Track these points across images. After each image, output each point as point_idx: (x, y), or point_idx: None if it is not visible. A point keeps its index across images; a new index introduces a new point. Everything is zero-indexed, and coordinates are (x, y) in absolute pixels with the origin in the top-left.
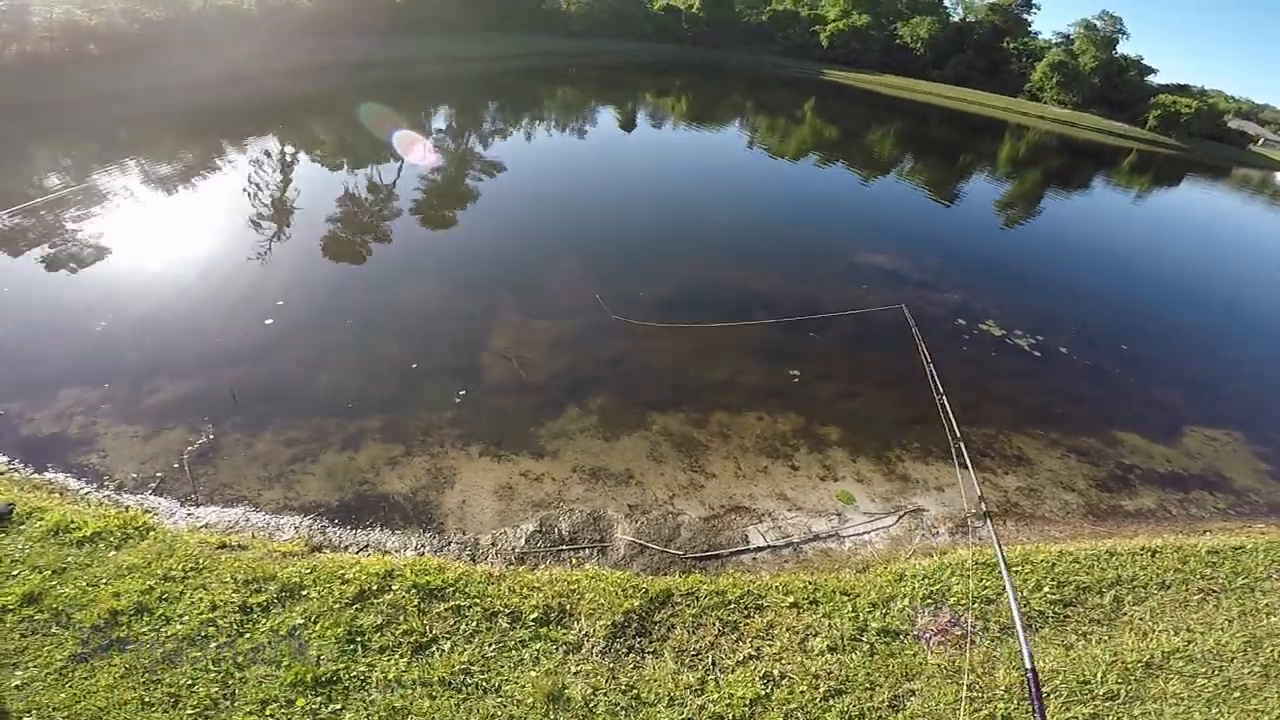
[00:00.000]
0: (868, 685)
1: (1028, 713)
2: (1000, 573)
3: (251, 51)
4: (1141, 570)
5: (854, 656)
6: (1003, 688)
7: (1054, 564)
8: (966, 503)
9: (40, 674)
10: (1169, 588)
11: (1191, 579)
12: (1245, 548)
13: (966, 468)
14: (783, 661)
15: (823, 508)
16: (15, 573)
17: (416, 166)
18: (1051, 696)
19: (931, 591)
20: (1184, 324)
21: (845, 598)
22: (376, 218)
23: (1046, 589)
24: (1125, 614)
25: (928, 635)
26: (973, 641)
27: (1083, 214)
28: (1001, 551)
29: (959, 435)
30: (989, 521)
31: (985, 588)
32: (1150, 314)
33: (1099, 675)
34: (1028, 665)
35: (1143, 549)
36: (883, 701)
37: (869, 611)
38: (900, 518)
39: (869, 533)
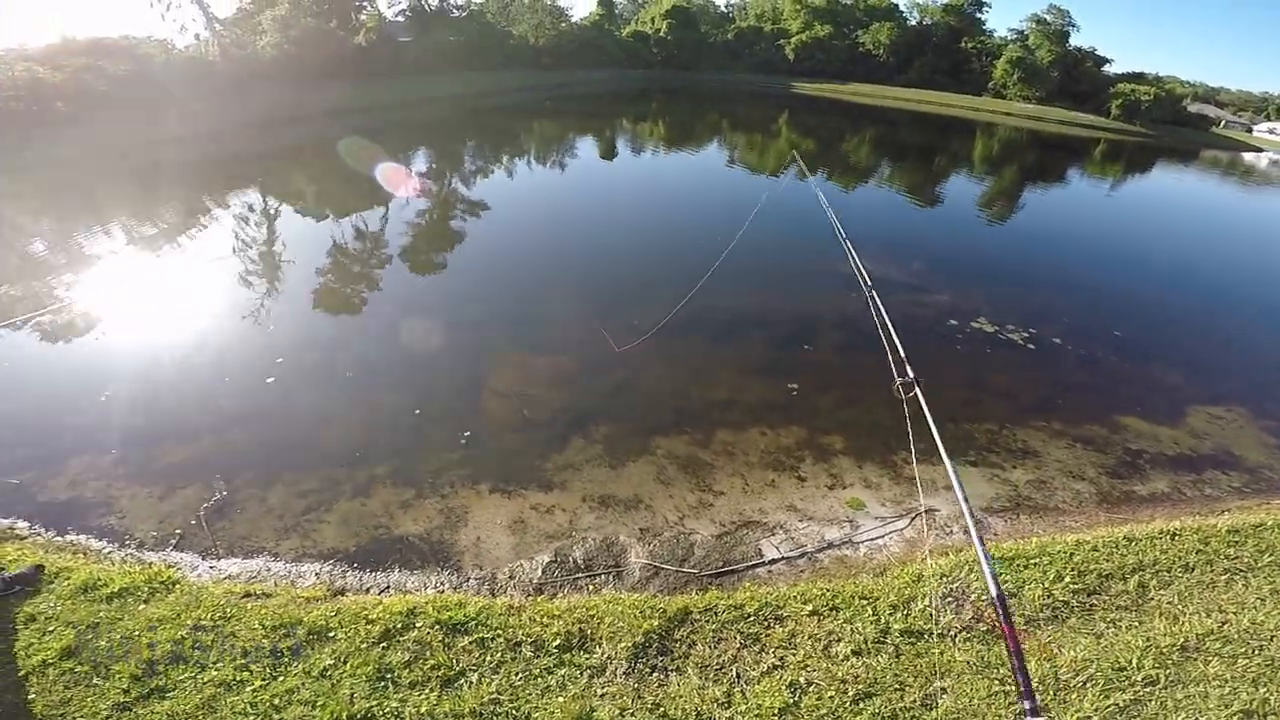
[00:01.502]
0: (897, 686)
1: (1063, 703)
2: (1019, 564)
3: (219, 104)
4: (1163, 554)
5: (880, 659)
6: (1035, 679)
7: (1072, 553)
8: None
9: None
10: (1193, 570)
11: (1215, 560)
12: (1266, 525)
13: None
14: (808, 669)
15: (834, 516)
16: (51, 629)
17: (402, 211)
18: (1088, 685)
19: (951, 589)
20: (1173, 306)
21: (865, 602)
22: (367, 266)
23: (1068, 579)
24: (1152, 599)
25: (952, 633)
26: (999, 635)
27: (1061, 206)
28: (941, 444)
29: (910, 376)
30: (919, 390)
31: (1005, 582)
32: (1138, 298)
33: (1135, 661)
34: (994, 593)
35: (1161, 532)
36: (914, 701)
37: (890, 614)
38: (913, 519)
39: (882, 537)
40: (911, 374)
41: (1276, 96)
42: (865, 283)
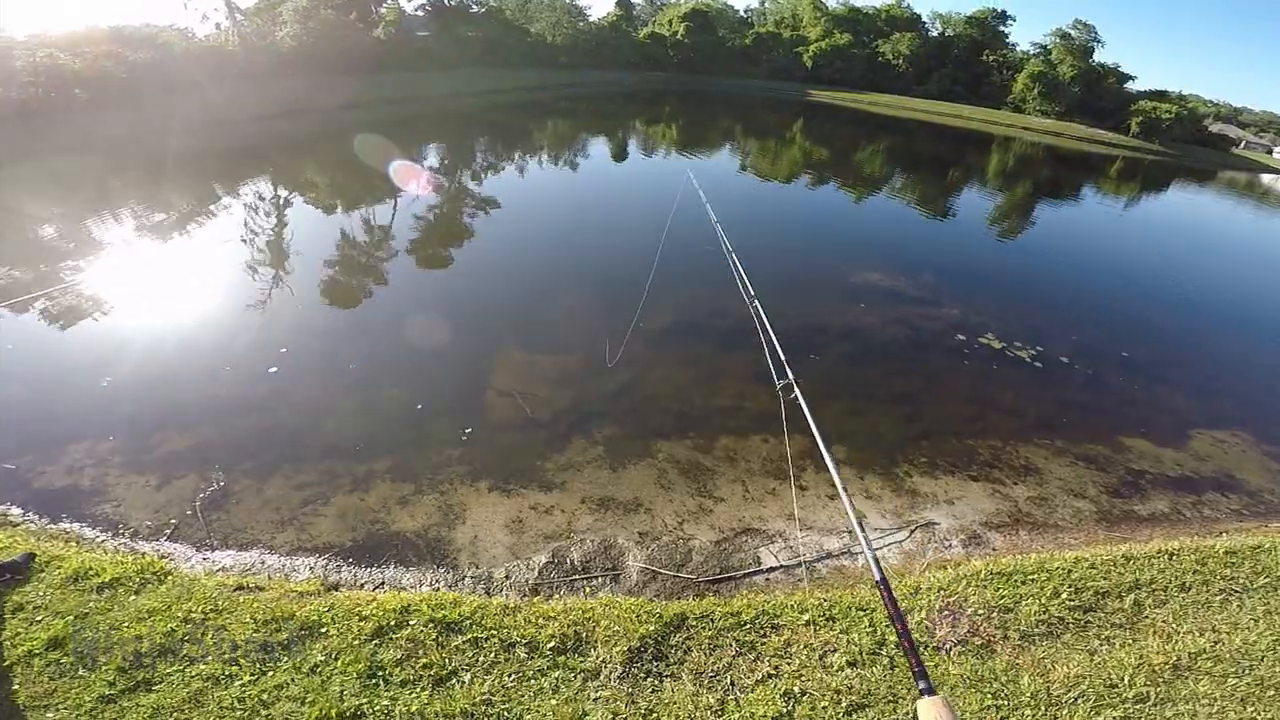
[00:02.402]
0: (890, 698)
1: (1057, 718)
2: (1017, 579)
3: (237, 94)
4: (1160, 573)
5: (874, 670)
6: (1028, 694)
7: (1070, 570)
8: (776, 379)
9: (71, 716)
10: (1189, 589)
11: (1212, 580)
12: (1264, 547)
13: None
14: (802, 678)
15: (833, 526)
16: (39, 618)
17: (412, 205)
18: (1079, 701)
19: (949, 603)
20: (1182, 327)
21: (862, 613)
22: (374, 259)
23: (1065, 595)
24: (1147, 617)
25: (948, 646)
26: (994, 650)
27: (1075, 223)
28: (821, 442)
29: (790, 378)
30: (798, 391)
31: (1003, 597)
32: (1148, 319)
33: (1126, 679)
34: (878, 577)
35: (1159, 552)
36: (907, 713)
37: (887, 626)
38: (912, 532)
39: (882, 548)
40: (791, 375)
41: None
42: (748, 294)
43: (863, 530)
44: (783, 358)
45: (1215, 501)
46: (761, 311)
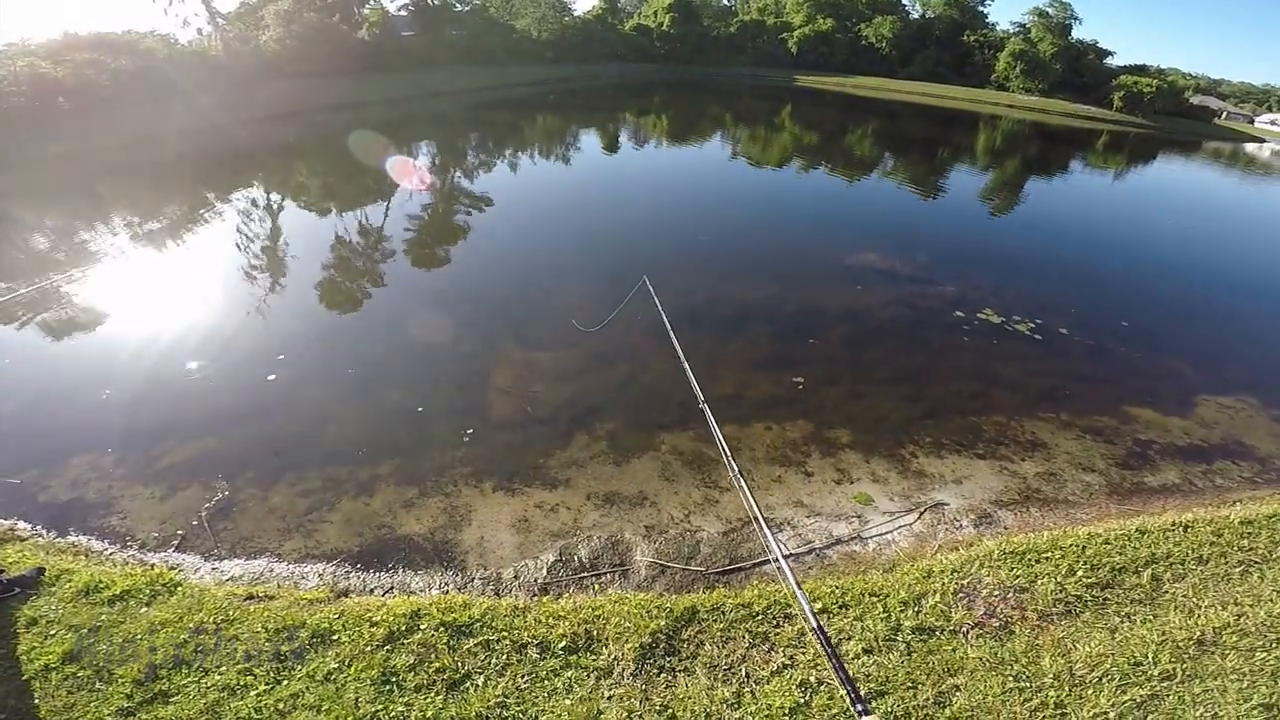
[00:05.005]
0: (909, 684)
1: (1080, 699)
2: (1031, 558)
3: (222, 99)
4: (1176, 546)
5: (891, 657)
6: (1050, 675)
7: (1084, 547)
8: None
9: None
10: (1207, 562)
11: (1229, 551)
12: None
13: (713, 429)
14: (818, 668)
15: (841, 511)
16: (53, 632)
17: (404, 205)
18: (1104, 681)
19: (963, 585)
20: (1180, 295)
21: (875, 599)
22: (369, 262)
23: (1081, 572)
24: (1166, 592)
25: (965, 629)
26: (1012, 631)
27: (1065, 196)
28: (726, 449)
29: (703, 399)
30: (707, 408)
31: (1017, 576)
32: (1145, 288)
33: (1150, 656)
34: (813, 624)
35: (1174, 525)
36: (927, 699)
37: (901, 611)
38: (922, 514)
39: (891, 532)
40: (702, 397)
41: (1278, 88)
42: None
43: (798, 586)
44: (697, 389)
45: (1226, 470)
46: (679, 347)
